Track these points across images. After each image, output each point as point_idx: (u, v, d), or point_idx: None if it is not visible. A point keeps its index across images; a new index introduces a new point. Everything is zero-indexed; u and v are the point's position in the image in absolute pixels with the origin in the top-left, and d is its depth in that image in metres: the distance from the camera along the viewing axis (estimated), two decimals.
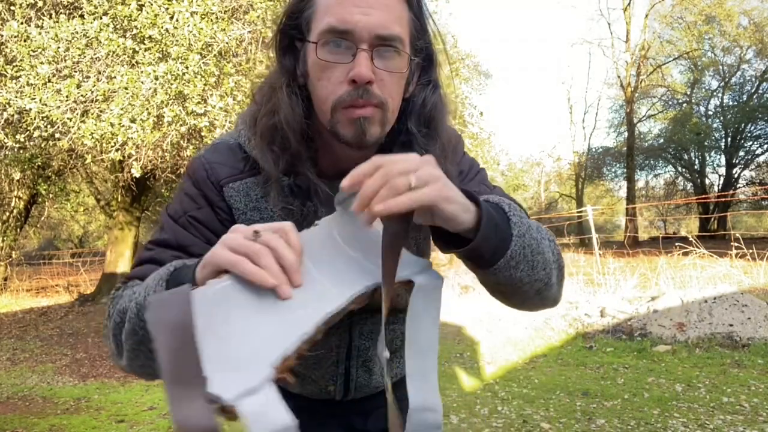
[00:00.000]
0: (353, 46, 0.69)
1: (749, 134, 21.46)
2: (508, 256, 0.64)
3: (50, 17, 4.82)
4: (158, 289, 0.62)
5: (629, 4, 21.12)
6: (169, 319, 0.48)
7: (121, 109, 4.47)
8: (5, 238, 10.42)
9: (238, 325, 0.50)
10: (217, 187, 0.80)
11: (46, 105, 4.38)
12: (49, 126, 4.64)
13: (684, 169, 24.24)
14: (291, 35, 0.77)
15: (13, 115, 4.75)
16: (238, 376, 0.47)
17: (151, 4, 4.51)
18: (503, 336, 5.35)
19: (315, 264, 0.56)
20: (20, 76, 4.44)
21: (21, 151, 6.72)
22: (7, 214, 10.42)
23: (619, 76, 21.97)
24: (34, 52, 4.41)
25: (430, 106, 0.80)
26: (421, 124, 0.79)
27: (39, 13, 4.96)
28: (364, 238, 0.58)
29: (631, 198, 20.89)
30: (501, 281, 0.67)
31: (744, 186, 22.71)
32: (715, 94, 22.18)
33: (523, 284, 0.68)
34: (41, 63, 4.38)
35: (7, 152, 6.30)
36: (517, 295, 0.71)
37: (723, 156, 22.40)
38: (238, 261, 0.53)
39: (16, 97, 4.42)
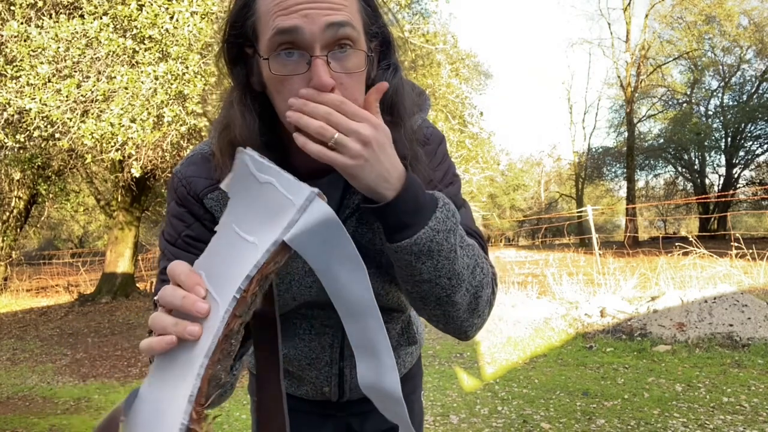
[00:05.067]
0: (306, 54, 0.66)
1: (749, 134, 21.46)
2: (413, 240, 0.66)
3: (50, 17, 4.81)
4: None
5: (629, 4, 21.13)
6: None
7: (121, 109, 4.47)
8: (5, 238, 10.43)
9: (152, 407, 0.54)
10: (197, 200, 0.81)
11: (46, 105, 4.38)
12: (49, 126, 4.64)
13: (684, 169, 24.23)
14: (238, 44, 0.74)
15: (13, 115, 4.74)
16: None
17: (151, 4, 4.51)
18: (503, 336, 5.35)
19: (212, 280, 0.54)
20: (20, 76, 4.44)
21: (21, 151, 6.72)
22: (7, 214, 10.43)
23: (619, 76, 21.98)
24: (34, 52, 4.40)
25: (392, 91, 0.76)
26: (384, 111, 0.76)
27: (39, 13, 4.96)
28: (259, 216, 0.54)
29: (631, 198, 20.89)
30: (401, 264, 0.69)
31: (744, 186, 22.69)
32: (715, 94, 22.20)
33: (423, 281, 0.69)
34: (41, 63, 4.38)
35: (7, 152, 6.30)
36: (415, 291, 0.72)
37: (723, 156, 22.40)
38: (145, 346, 0.55)
39: (16, 97, 4.41)
